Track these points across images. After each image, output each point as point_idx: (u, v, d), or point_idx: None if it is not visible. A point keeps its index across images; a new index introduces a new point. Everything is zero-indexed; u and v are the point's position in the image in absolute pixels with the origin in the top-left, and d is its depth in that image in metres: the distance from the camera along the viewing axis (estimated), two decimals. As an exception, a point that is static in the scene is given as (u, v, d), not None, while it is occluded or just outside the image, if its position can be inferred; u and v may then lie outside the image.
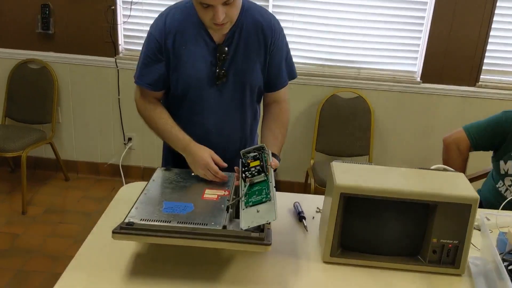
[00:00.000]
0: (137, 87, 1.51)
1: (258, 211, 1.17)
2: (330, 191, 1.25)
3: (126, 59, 3.07)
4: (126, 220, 1.13)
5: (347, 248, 1.24)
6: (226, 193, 1.31)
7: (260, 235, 1.10)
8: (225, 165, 1.41)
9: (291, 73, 1.58)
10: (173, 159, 1.63)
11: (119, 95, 3.14)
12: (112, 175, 3.34)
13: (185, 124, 1.50)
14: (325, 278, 1.20)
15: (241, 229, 1.12)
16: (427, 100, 3.01)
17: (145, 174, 3.34)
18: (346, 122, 2.94)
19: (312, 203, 1.55)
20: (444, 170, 1.35)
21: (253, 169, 1.31)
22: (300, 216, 1.45)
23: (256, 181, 1.28)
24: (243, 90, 1.50)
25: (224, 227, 1.13)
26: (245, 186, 1.28)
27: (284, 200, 1.47)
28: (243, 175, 1.31)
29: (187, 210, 1.19)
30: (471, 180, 2.10)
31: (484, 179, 2.00)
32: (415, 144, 3.11)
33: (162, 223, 1.13)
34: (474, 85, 2.98)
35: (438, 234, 1.19)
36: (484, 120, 1.87)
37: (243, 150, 1.41)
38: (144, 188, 1.31)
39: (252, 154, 1.39)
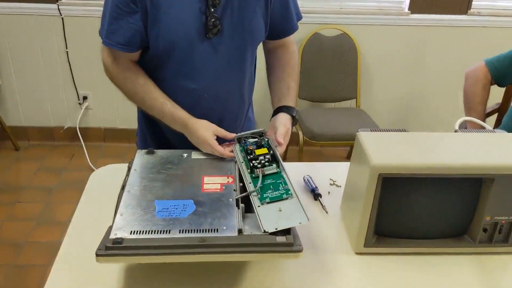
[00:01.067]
0: (106, 49, 1.19)
1: (280, 210, 0.95)
2: (359, 168, 1.04)
3: (71, 4, 2.65)
4: (112, 236, 0.88)
5: (382, 234, 1.06)
6: (230, 180, 1.07)
7: (287, 239, 0.89)
8: (233, 135, 1.18)
9: (298, 14, 1.33)
10: (152, 132, 1.36)
11: (66, 48, 2.75)
12: (70, 140, 3.02)
13: (170, 91, 1.22)
14: (361, 273, 1.02)
15: (264, 231, 0.90)
16: (417, 32, 2.80)
17: (107, 136, 3.03)
18: (331, 64, 2.70)
19: (321, 172, 1.35)
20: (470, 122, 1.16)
21: (261, 158, 1.08)
22: (315, 194, 1.24)
23: (267, 172, 1.05)
24: (243, 44, 1.22)
25: (240, 231, 0.91)
26: (252, 177, 1.06)
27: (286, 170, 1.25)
28: (251, 164, 1.07)
29: (187, 211, 0.96)
30: (490, 113, 1.96)
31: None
32: (406, 81, 2.93)
33: (159, 235, 0.89)
34: (466, 13, 2.78)
35: (493, 211, 1.02)
36: (507, 52, 1.70)
37: (238, 134, 1.17)
38: (125, 182, 1.06)
39: (251, 140, 1.15)
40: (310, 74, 2.68)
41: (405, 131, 1.10)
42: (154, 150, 1.19)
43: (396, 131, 1.10)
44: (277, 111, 1.29)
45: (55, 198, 2.52)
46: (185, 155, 1.17)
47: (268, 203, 0.98)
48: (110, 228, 0.91)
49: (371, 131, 1.09)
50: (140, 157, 1.16)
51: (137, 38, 1.14)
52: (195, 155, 1.17)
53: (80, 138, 2.94)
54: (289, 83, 1.34)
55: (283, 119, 1.26)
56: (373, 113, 2.80)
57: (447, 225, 1.06)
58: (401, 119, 3.07)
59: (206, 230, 0.90)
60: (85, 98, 2.90)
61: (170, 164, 1.13)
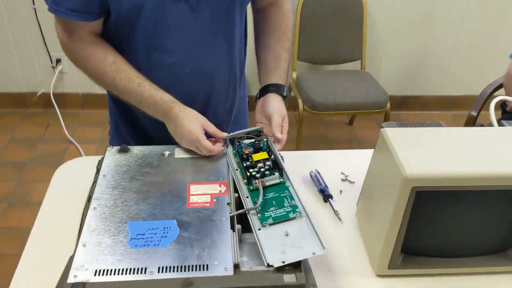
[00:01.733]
0: (58, 21, 0.96)
1: (287, 235, 0.76)
2: (385, 174, 0.84)
3: (34, -47, 2.34)
4: (71, 279, 0.69)
5: (409, 252, 0.88)
6: (223, 189, 0.87)
7: (298, 277, 0.71)
8: (224, 135, 0.97)
9: None
10: (126, 121, 1.15)
11: (34, 4, 2.46)
12: (45, 107, 2.78)
13: (141, 68, 0.99)
14: (385, 303, 0.85)
15: (268, 265, 0.72)
16: (429, -16, 2.53)
17: (85, 103, 2.79)
18: (333, 21, 2.44)
19: (330, 163, 1.15)
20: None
21: (260, 165, 0.87)
22: (325, 196, 1.05)
23: (268, 183, 0.85)
24: (229, 3, 0.99)
25: (237, 267, 0.72)
26: (249, 189, 0.86)
27: (288, 161, 1.05)
28: (247, 173, 0.87)
29: (169, 238, 0.76)
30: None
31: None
32: (416, 40, 2.69)
33: (133, 276, 0.70)
34: (483, -38, 2.51)
35: (546, 226, 0.84)
36: None
37: (230, 134, 0.96)
38: (92, 192, 0.86)
39: (247, 142, 0.94)
40: (310, 33, 2.43)
41: (440, 125, 0.90)
42: (128, 147, 0.98)
43: (428, 126, 0.89)
44: (264, 90, 1.09)
45: (28, 176, 2.31)
46: (167, 153, 0.96)
47: (271, 224, 0.79)
48: (69, 266, 0.72)
49: (398, 125, 0.89)
50: (111, 157, 0.95)
51: (94, 1, 0.90)
52: (179, 154, 0.97)
53: (55, 105, 2.70)
54: (279, 52, 1.12)
55: (276, 103, 1.05)
56: (379, 76, 2.58)
57: (488, 240, 0.88)
58: (410, 82, 2.86)
59: (192, 267, 0.71)
60: (58, 61, 2.63)
61: (147, 167, 0.92)
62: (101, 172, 0.90)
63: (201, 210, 0.82)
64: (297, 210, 0.80)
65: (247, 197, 0.85)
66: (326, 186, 1.07)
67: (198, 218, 0.80)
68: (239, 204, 0.86)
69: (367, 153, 1.23)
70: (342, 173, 1.14)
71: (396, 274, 0.88)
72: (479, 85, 2.93)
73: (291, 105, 2.52)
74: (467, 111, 2.99)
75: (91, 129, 2.64)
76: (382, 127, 0.88)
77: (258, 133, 0.98)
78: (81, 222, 0.82)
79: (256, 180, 0.85)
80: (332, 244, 0.95)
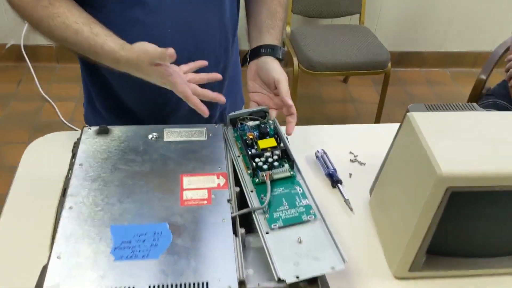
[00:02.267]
0: None
1: (300, 242, 0.65)
2: (412, 166, 0.73)
3: None
4: (43, 302, 0.58)
5: (433, 252, 0.78)
6: (222, 181, 0.75)
7: (314, 296, 0.60)
8: (205, 63, 0.84)
9: None
10: (101, 92, 1.00)
11: None
12: (16, 61, 2.57)
13: (115, 27, 0.84)
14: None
15: (278, 279, 0.61)
16: None
17: (60, 56, 2.59)
18: (332, -30, 2.25)
19: (335, 139, 1.04)
20: None
21: (268, 154, 0.75)
22: (334, 181, 0.94)
23: (277, 177, 0.73)
24: None
25: (242, 284, 0.61)
26: (254, 181, 0.74)
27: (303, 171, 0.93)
28: (252, 163, 0.75)
29: (160, 247, 0.65)
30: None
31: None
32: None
33: (118, 298, 0.59)
34: None
35: None
36: None
37: (232, 114, 0.83)
38: (67, 185, 0.73)
39: (251, 124, 0.81)
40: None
41: (473, 108, 0.78)
42: (109, 127, 0.84)
43: (460, 109, 0.78)
44: (256, 52, 0.94)
45: (0, 137, 2.16)
46: (154, 135, 0.83)
47: (280, 227, 0.68)
48: (42, 279, 0.60)
49: (426, 108, 0.77)
50: (89, 140, 0.82)
51: None
52: (168, 136, 0.84)
53: (27, 58, 2.50)
54: (274, 8, 0.97)
55: (276, 65, 0.91)
56: (379, 31, 2.43)
57: (521, 239, 0.79)
58: (409, 38, 2.71)
59: (189, 285, 0.60)
60: (28, 9, 2.41)
61: (132, 153, 0.79)
62: (77, 160, 0.77)
63: (197, 209, 0.70)
64: (311, 211, 0.69)
65: (252, 192, 0.73)
66: (335, 169, 0.95)
67: (193, 219, 0.69)
68: (241, 199, 0.74)
69: (377, 129, 1.13)
70: (350, 152, 1.03)
71: (417, 276, 0.79)
72: (481, 41, 2.81)
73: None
74: (468, 68, 2.89)
75: (68, 85, 2.46)
76: (408, 110, 0.76)
77: (263, 114, 0.85)
78: (54, 224, 0.69)
79: (263, 173, 0.73)
80: (343, 238, 0.84)
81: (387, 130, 1.07)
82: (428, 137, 0.69)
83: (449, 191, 0.66)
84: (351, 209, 0.89)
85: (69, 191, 0.72)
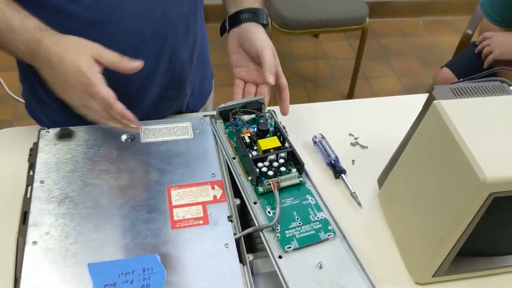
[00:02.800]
0: None
1: (321, 267, 0.55)
2: (441, 166, 0.63)
3: None
4: None
5: (462, 254, 0.70)
6: (219, 192, 0.63)
7: None
8: (139, 65, 0.63)
9: None
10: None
11: None
12: None
13: (55, 12, 0.67)
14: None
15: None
16: None
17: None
18: None
19: (329, 119, 0.93)
20: None
21: (272, 157, 0.63)
22: (337, 171, 0.83)
23: (284, 184, 0.61)
24: None
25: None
26: (258, 192, 0.62)
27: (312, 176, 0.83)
28: (255, 168, 0.62)
29: (153, 288, 0.53)
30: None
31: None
32: None
33: None
34: None
35: None
36: None
37: (222, 106, 0.69)
38: (26, 210, 0.59)
39: (247, 118, 0.68)
40: None
41: (504, 82, 0.68)
42: (72, 129, 0.69)
43: (490, 91, 0.67)
44: (235, 18, 0.80)
45: None
46: (129, 136, 0.69)
47: (295, 249, 0.57)
48: None
49: (452, 92, 0.66)
50: (49, 148, 0.67)
51: None
52: (146, 135, 0.70)
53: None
54: None
55: (261, 34, 0.78)
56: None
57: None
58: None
59: None
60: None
61: (104, 161, 0.66)
62: (36, 175, 0.63)
63: (193, 233, 0.58)
64: (329, 227, 0.59)
65: (255, 203, 0.62)
66: (337, 157, 0.85)
67: (189, 247, 0.57)
68: (242, 213, 0.63)
69: (376, 104, 1.02)
70: (350, 134, 0.92)
71: (441, 280, 0.71)
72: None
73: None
74: (440, 16, 2.81)
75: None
76: (433, 96, 0.65)
77: (259, 106, 0.72)
78: (16, 262, 0.56)
79: (269, 180, 0.61)
80: (352, 238, 0.75)
81: (386, 105, 0.97)
82: (464, 133, 0.59)
83: (492, 197, 0.57)
84: (359, 204, 0.80)
85: (31, 219, 0.58)
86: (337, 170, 0.83)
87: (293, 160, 0.65)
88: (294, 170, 0.64)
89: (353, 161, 0.87)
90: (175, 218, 0.59)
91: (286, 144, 0.65)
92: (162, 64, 0.75)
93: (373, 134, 0.92)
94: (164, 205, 0.61)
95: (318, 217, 0.60)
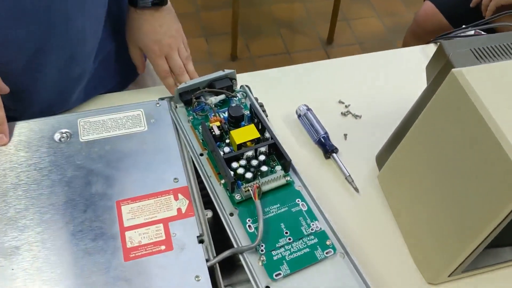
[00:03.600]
0: None
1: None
2: (465, 147, 0.50)
3: None
4: None
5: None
6: (183, 204, 0.50)
7: None
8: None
9: None
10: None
11: None
12: None
13: None
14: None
15: None
16: None
17: None
18: None
19: (313, 82, 0.79)
20: None
21: (250, 153, 0.49)
22: (327, 150, 0.70)
23: (267, 188, 0.48)
24: None
25: None
26: (233, 200, 0.49)
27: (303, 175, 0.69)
28: (230, 173, 0.48)
29: None
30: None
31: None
32: None
33: None
34: None
35: None
36: None
37: (180, 87, 0.54)
38: None
39: (214, 100, 0.54)
40: None
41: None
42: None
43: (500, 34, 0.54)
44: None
45: None
46: (65, 133, 0.55)
47: (287, 275, 0.45)
48: None
49: (473, 54, 0.52)
50: (-43, 156, 0.52)
51: None
52: (86, 131, 0.55)
53: None
54: None
55: (146, 26, 0.66)
56: None
57: None
58: None
59: None
60: None
61: (32, 169, 0.51)
62: None
63: (153, 264, 0.45)
64: (327, 243, 0.46)
65: (231, 215, 0.49)
66: (326, 134, 0.72)
67: (149, 285, 0.44)
68: (215, 227, 0.50)
69: (367, 62, 0.87)
70: (340, 102, 0.79)
71: (457, 278, 0.61)
72: None
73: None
74: None
75: None
76: (450, 60, 0.52)
77: (230, 83, 0.57)
78: None
79: (248, 185, 0.48)
80: (350, 231, 0.64)
81: (379, 62, 0.84)
82: (492, 108, 0.46)
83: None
84: (356, 189, 0.68)
85: None
86: (327, 149, 0.70)
87: (277, 154, 0.51)
88: (278, 168, 0.50)
89: (345, 135, 0.74)
90: (129, 245, 0.46)
91: (267, 134, 0.52)
92: (55, 35, 0.57)
93: (366, 100, 0.79)
94: (113, 228, 0.47)
95: (312, 229, 0.47)
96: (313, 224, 0.48)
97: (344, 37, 2.07)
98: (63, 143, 0.53)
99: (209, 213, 0.49)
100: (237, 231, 0.47)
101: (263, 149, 0.50)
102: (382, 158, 0.68)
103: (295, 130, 0.74)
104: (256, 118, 0.53)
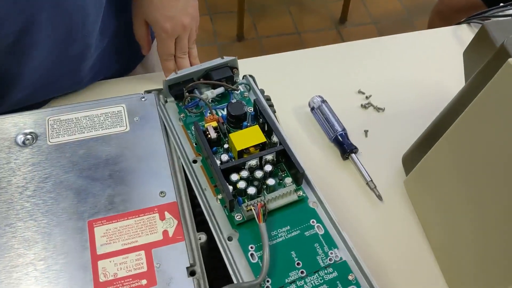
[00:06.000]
0: None
1: None
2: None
3: None
4: None
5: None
6: (171, 225, 0.41)
7: None
8: None
9: None
10: None
11: None
12: None
13: None
14: None
15: None
16: None
17: None
18: None
19: (326, 69, 0.69)
20: None
21: (253, 162, 0.40)
22: (345, 150, 0.61)
23: (274, 206, 0.39)
24: None
25: None
26: (233, 222, 0.40)
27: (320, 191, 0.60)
28: (228, 188, 0.39)
29: None
30: None
31: None
32: None
33: None
34: None
35: None
36: None
37: (170, 78, 0.46)
38: None
39: (211, 94, 0.45)
40: None
41: None
42: None
43: None
44: None
45: None
46: (28, 134, 0.46)
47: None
48: None
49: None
50: None
51: None
52: (56, 132, 0.46)
53: None
54: None
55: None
56: None
57: None
58: None
59: None
60: None
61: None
62: None
63: (131, 300, 0.37)
64: (349, 277, 0.38)
65: (230, 240, 0.40)
66: (344, 130, 0.62)
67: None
68: (208, 254, 0.41)
69: (386, 45, 0.77)
70: (360, 92, 0.69)
71: None
72: None
73: None
74: None
75: None
76: (504, 45, 0.42)
77: (230, 74, 0.48)
78: None
79: (250, 203, 0.39)
80: (372, 249, 0.55)
81: (403, 45, 0.74)
82: None
83: None
84: (379, 197, 0.59)
85: None
86: (345, 149, 0.61)
87: (286, 162, 0.42)
88: (288, 180, 0.41)
89: (365, 131, 0.65)
90: (102, 279, 0.38)
91: (275, 138, 0.42)
92: (46, 8, 0.49)
93: (390, 90, 0.70)
94: (83, 255, 0.39)
95: (331, 259, 0.38)
96: (331, 253, 0.39)
97: (358, 16, 1.96)
98: (27, 146, 0.45)
99: (203, 237, 0.40)
100: (237, 260, 0.39)
101: (269, 156, 0.41)
102: (410, 160, 0.59)
103: (308, 125, 0.65)
104: (261, 117, 0.44)
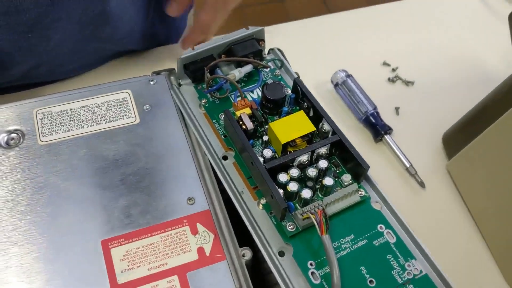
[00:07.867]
0: None
1: None
2: None
3: None
4: None
5: None
6: (206, 241, 0.33)
7: None
8: None
9: None
10: None
11: None
12: None
13: None
14: None
15: None
16: None
17: None
18: None
19: (347, 40, 0.62)
20: None
21: (304, 158, 0.33)
22: (378, 131, 0.54)
23: (333, 211, 0.32)
24: None
25: None
26: (286, 231, 0.32)
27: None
28: (279, 193, 0.32)
29: None
30: None
31: None
32: None
33: None
34: None
35: None
36: None
37: (185, 55, 0.37)
38: None
39: (238, 73, 0.37)
40: None
41: None
42: None
43: None
44: None
45: None
46: (15, 132, 0.37)
47: None
48: None
49: None
50: None
51: None
52: (47, 128, 0.38)
53: None
54: None
55: None
56: None
57: None
58: None
59: None
60: None
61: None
62: None
63: None
64: (436, 302, 0.31)
65: (281, 255, 0.33)
66: (375, 108, 0.55)
67: None
68: (253, 275, 0.34)
69: (413, 9, 0.69)
70: (385, 63, 0.62)
71: None
72: None
73: None
74: None
75: None
76: None
77: (257, 47, 0.40)
78: None
79: (308, 209, 0.32)
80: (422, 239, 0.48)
81: (428, 9, 0.67)
82: None
83: None
84: (421, 184, 0.52)
85: None
86: (379, 131, 0.54)
87: (340, 155, 0.35)
88: (346, 177, 0.34)
89: (396, 109, 0.58)
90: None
91: (326, 126, 0.35)
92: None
93: (419, 61, 0.63)
94: (101, 282, 0.31)
95: (409, 273, 0.31)
96: (408, 265, 0.32)
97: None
98: (13, 148, 0.36)
99: (247, 253, 0.33)
100: (294, 280, 0.31)
101: (323, 149, 0.34)
102: (453, 140, 0.53)
103: (332, 104, 0.58)
104: (306, 100, 0.36)
